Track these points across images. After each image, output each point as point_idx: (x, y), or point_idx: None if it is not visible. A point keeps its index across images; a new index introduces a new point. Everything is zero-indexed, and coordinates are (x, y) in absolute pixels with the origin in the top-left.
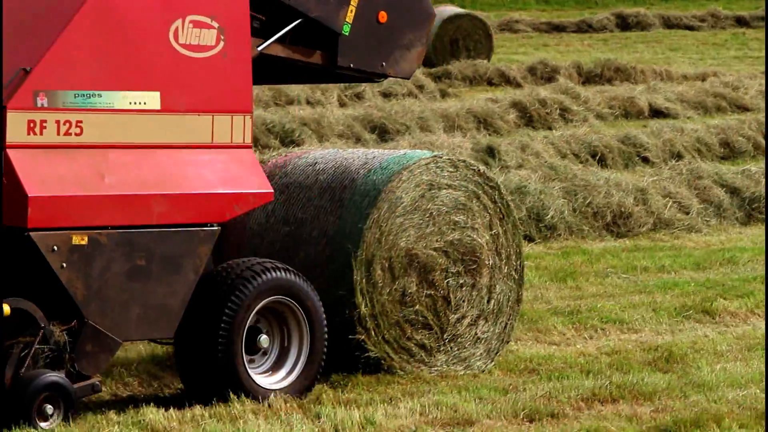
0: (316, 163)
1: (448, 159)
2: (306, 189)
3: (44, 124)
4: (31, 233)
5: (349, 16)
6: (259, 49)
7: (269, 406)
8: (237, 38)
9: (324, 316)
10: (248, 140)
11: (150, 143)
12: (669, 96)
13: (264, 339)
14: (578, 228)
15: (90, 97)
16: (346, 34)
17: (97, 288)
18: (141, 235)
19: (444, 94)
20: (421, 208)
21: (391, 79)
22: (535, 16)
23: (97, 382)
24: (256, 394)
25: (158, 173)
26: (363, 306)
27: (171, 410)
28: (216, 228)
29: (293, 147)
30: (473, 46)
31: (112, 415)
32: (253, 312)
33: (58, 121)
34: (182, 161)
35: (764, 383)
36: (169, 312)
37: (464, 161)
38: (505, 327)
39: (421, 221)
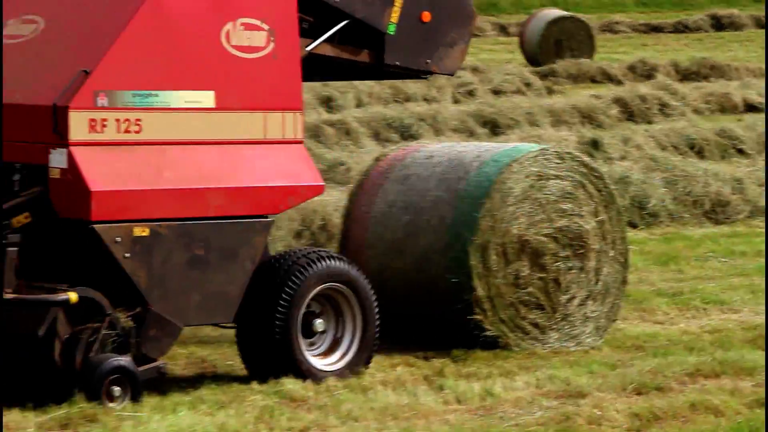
0: (432, 156)
1: (555, 151)
2: (424, 180)
3: (105, 123)
4: (95, 226)
5: (394, 16)
6: (308, 49)
7: (397, 378)
8: (286, 39)
9: (376, 302)
10: (299, 136)
11: (205, 140)
12: (762, 92)
13: (319, 323)
14: (679, 215)
15: (147, 96)
16: (392, 33)
17: (159, 276)
18: (199, 227)
19: (550, 91)
20: (531, 198)
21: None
22: (634, 18)
23: (162, 365)
24: (311, 375)
25: (214, 168)
26: (480, 289)
27: (308, 381)
28: (270, 219)
29: (411, 141)
30: (576, 46)
31: (254, 384)
32: (309, 298)
33: (118, 120)
34: (237, 156)
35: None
36: (228, 298)
37: (570, 153)
38: (612, 307)
39: (531, 209)
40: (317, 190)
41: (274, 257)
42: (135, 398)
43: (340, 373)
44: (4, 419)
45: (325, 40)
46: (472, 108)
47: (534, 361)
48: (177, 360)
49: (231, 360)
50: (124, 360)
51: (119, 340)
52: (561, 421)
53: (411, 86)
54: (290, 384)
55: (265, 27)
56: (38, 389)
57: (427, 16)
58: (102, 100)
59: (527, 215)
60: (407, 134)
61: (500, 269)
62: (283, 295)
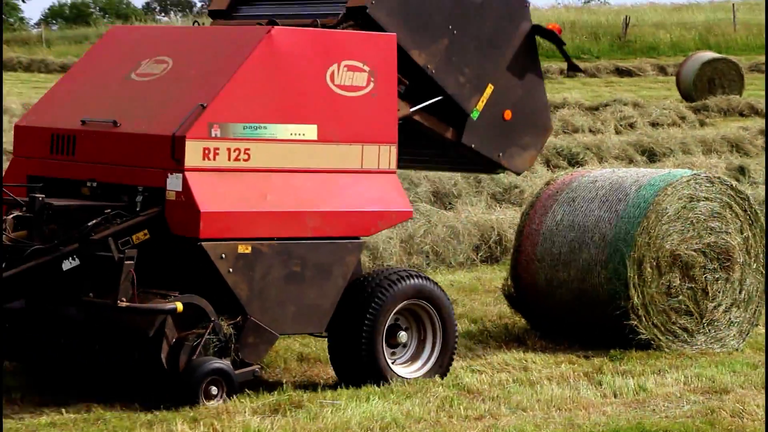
0: (596, 180)
1: (706, 176)
2: (588, 201)
3: (217, 151)
4: (202, 243)
5: (480, 104)
6: (412, 110)
7: (560, 374)
8: (385, 80)
9: (454, 315)
10: (393, 166)
11: (307, 168)
12: None
13: (402, 335)
14: None
15: (257, 128)
16: (474, 118)
17: (258, 289)
18: (297, 246)
19: (702, 124)
20: (683, 217)
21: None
22: None
23: (257, 369)
24: (393, 381)
25: (313, 193)
26: (635, 297)
27: (483, 374)
28: (362, 241)
29: (578, 167)
30: (727, 84)
31: (437, 378)
32: (393, 312)
33: (229, 149)
34: (334, 183)
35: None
36: (320, 311)
37: (719, 178)
38: (755, 313)
39: (683, 227)
40: (406, 216)
41: (365, 275)
42: (230, 398)
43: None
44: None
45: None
46: (632, 138)
47: (683, 361)
48: None
49: None
50: (222, 363)
51: (220, 345)
52: (706, 414)
53: (578, 119)
54: (467, 378)
55: (366, 69)
56: (145, 387)
57: (508, 114)
58: (215, 131)
59: (679, 232)
60: (574, 161)
61: (654, 280)
62: (370, 310)
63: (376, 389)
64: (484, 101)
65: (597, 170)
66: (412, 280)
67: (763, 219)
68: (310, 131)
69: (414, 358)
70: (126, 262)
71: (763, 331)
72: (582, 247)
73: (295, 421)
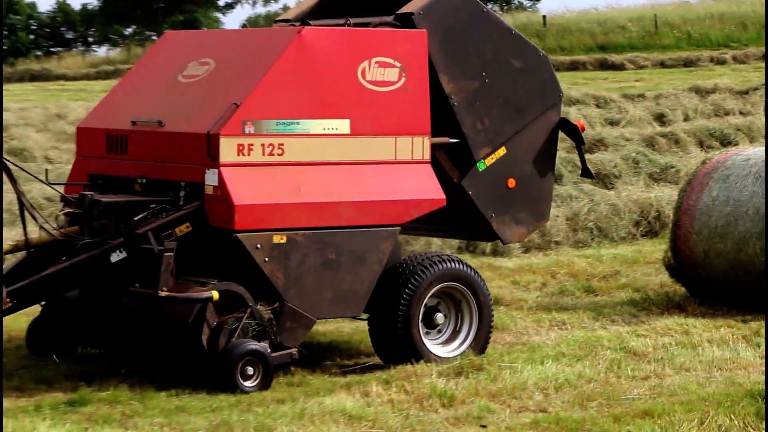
0: (749, 158)
1: None
2: (742, 178)
3: (251, 147)
4: (238, 234)
5: (489, 160)
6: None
7: (720, 337)
8: (416, 76)
9: (490, 298)
10: (426, 157)
11: (341, 161)
12: None
13: (439, 317)
14: None
15: (290, 124)
16: (480, 169)
17: (294, 277)
18: (332, 235)
19: None
20: None
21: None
22: None
23: (295, 351)
24: (431, 361)
25: (347, 185)
26: None
27: (647, 338)
28: (396, 228)
29: (730, 147)
30: None
31: (605, 341)
32: (428, 295)
33: (263, 145)
34: (368, 174)
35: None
36: (357, 296)
37: None
38: None
39: None
40: (439, 203)
41: (402, 260)
42: (266, 378)
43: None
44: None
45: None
46: None
47: None
48: (541, 323)
49: (585, 323)
50: (258, 345)
51: (259, 329)
52: None
53: (729, 103)
54: (633, 342)
55: (398, 65)
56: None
57: (512, 182)
58: (249, 128)
59: None
60: (726, 142)
61: None
62: (406, 292)
63: (550, 353)
64: (494, 159)
65: (749, 149)
66: (446, 264)
67: None
68: (343, 125)
69: (451, 339)
70: (165, 254)
71: None
72: (737, 221)
73: (477, 383)
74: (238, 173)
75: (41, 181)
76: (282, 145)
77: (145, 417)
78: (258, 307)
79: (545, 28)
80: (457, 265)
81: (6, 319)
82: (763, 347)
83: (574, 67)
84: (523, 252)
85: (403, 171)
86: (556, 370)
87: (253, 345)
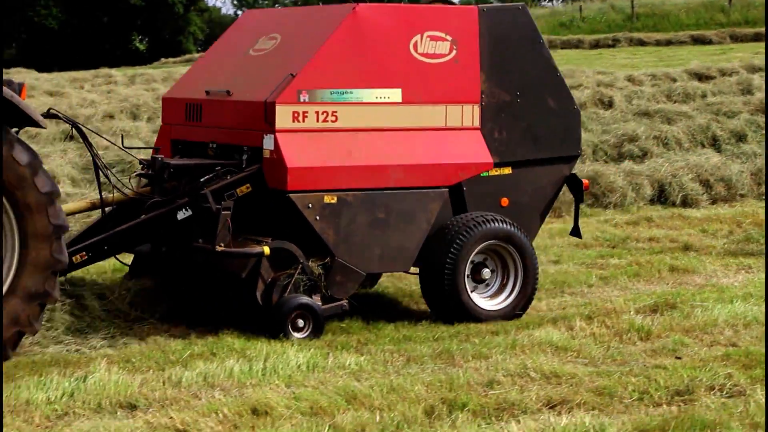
0: None
1: None
2: None
3: (306, 114)
4: (290, 195)
5: (493, 172)
6: None
7: None
8: (467, 49)
9: (535, 257)
10: (476, 124)
11: (392, 127)
12: None
13: (486, 272)
14: None
15: (344, 93)
16: (481, 175)
17: (344, 234)
18: (381, 195)
19: None
20: None
21: None
22: None
23: (345, 303)
24: (477, 314)
25: (396, 149)
26: None
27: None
28: (444, 190)
29: None
30: None
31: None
32: (474, 252)
33: (317, 112)
34: (417, 140)
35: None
36: (405, 252)
37: None
38: None
39: None
40: (486, 167)
41: (451, 220)
42: (317, 329)
43: (504, 313)
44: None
45: None
46: None
47: None
48: (729, 267)
49: None
50: (308, 299)
51: (310, 283)
52: None
53: None
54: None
55: (449, 38)
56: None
57: (505, 202)
58: (304, 97)
59: None
60: None
61: None
62: (452, 250)
63: (738, 293)
64: (498, 173)
65: None
66: (492, 224)
67: None
68: (395, 94)
69: (497, 294)
70: (222, 213)
71: None
72: None
73: (671, 319)
74: (292, 138)
75: (115, 145)
76: (335, 112)
77: (377, 344)
78: (309, 263)
79: (730, 5)
80: (503, 225)
81: None
82: None
83: (757, 38)
84: (710, 203)
85: (452, 137)
86: (744, 308)
87: (304, 299)
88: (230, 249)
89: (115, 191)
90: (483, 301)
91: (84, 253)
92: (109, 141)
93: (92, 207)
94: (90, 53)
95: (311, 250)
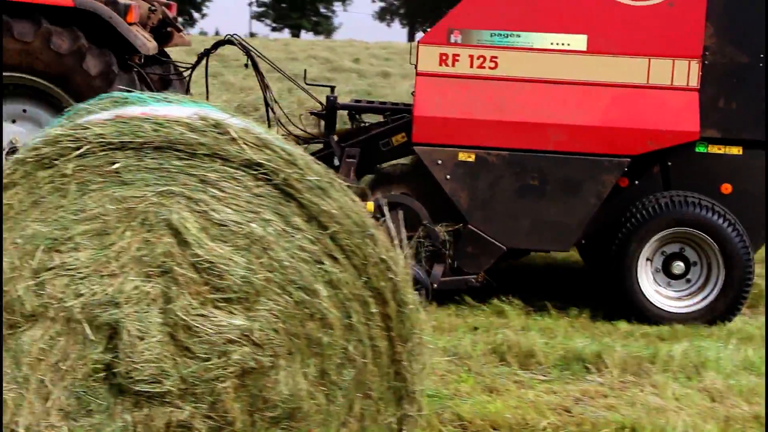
0: None
1: None
2: None
3: (456, 58)
4: (416, 147)
5: (712, 148)
6: None
7: None
8: None
9: (744, 250)
10: (693, 83)
11: (569, 80)
12: None
13: (676, 265)
14: None
15: (507, 36)
16: (697, 150)
17: (482, 199)
18: (535, 159)
19: None
20: None
21: None
22: None
23: (473, 278)
24: (655, 317)
25: (564, 106)
26: None
27: None
28: (625, 159)
29: None
30: None
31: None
32: (653, 239)
33: (471, 56)
34: (598, 97)
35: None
36: (564, 229)
37: None
38: None
39: None
40: (688, 136)
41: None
42: (423, 303)
43: (696, 315)
44: None
45: None
46: None
47: None
48: None
49: None
50: (417, 270)
51: (434, 249)
52: None
53: None
54: None
55: None
56: None
57: (727, 188)
58: (456, 37)
59: None
60: None
61: None
62: (622, 232)
63: None
64: (720, 152)
65: None
66: (683, 207)
67: None
68: (578, 41)
69: (693, 294)
70: (347, 160)
71: None
72: None
73: None
74: (434, 83)
75: (293, 81)
76: (495, 57)
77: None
78: (437, 227)
79: None
80: (695, 209)
81: None
82: None
83: None
84: None
85: (651, 97)
86: None
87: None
88: None
89: (278, 126)
90: (671, 301)
91: None
92: (287, 76)
93: None
94: None
95: (444, 214)
